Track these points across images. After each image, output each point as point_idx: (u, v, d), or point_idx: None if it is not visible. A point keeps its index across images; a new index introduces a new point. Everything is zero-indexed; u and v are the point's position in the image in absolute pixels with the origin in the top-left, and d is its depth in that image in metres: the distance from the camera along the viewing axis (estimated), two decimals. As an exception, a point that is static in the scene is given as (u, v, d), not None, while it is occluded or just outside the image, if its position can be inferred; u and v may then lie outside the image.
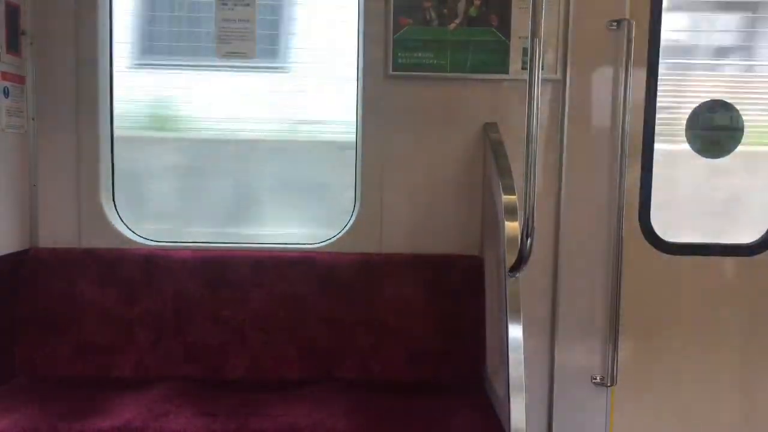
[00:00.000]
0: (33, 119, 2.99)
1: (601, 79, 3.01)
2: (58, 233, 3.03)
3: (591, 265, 3.05)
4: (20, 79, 2.92)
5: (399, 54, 2.98)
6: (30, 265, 2.93)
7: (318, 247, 3.09)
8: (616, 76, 2.99)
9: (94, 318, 2.88)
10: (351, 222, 3.10)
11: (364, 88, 3.03)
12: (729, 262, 3.14)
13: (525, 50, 2.94)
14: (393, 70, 2.99)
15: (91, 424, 2.37)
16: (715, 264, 3.13)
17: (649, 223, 3.07)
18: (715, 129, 3.14)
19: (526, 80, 2.20)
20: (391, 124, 3.03)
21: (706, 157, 3.15)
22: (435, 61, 2.99)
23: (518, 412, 2.32)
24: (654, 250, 3.07)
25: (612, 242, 3.00)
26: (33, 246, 3.02)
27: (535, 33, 2.17)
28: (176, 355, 2.88)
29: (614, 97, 3.00)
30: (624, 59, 2.93)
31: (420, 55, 2.99)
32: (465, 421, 2.49)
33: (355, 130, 3.10)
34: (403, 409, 2.60)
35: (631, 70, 2.94)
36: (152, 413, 2.46)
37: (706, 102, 3.14)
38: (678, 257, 3.09)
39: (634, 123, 2.99)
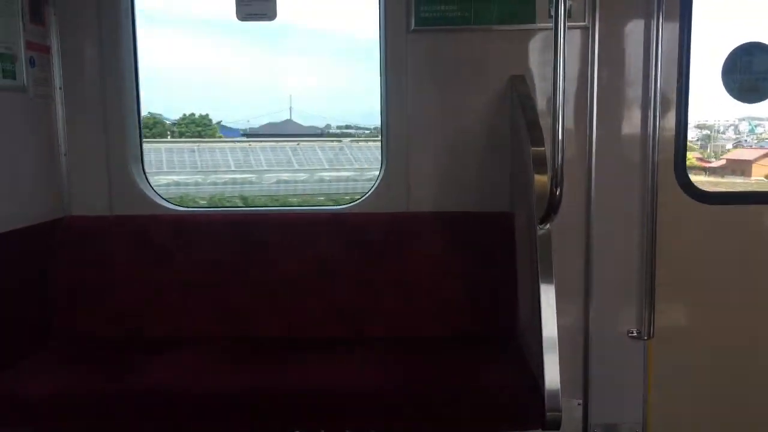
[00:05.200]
0: (60, 88, 3.02)
1: (632, 25, 2.91)
2: (90, 201, 3.07)
3: (625, 216, 2.98)
4: (45, 49, 2.94)
5: (421, 8, 2.92)
6: (65, 233, 2.98)
7: (345, 208, 3.08)
8: (647, 22, 2.89)
9: (127, 283, 2.93)
10: (378, 182, 3.08)
11: (386, 44, 2.98)
12: None
13: (552, -3, 2.86)
14: (415, 25, 2.93)
15: (127, 384, 2.42)
16: (755, 212, 3.03)
17: (685, 172, 2.98)
18: (754, 73, 3.02)
19: (552, 29, 2.14)
20: (415, 80, 2.98)
21: (744, 102, 3.04)
22: (458, 14, 2.92)
23: (552, 369, 2.29)
24: (690, 200, 2.99)
25: (647, 193, 2.93)
26: (67, 214, 3.07)
27: None
28: (209, 317, 2.91)
29: (646, 45, 2.90)
30: (655, 3, 2.83)
31: (443, 8, 2.92)
32: (499, 375, 2.48)
33: (379, 89, 3.06)
34: (435, 364, 2.60)
35: (663, 14, 2.83)
36: (186, 373, 2.50)
37: (743, 45, 3.02)
38: (715, 207, 3.01)
39: (667, 71, 2.89)
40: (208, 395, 2.37)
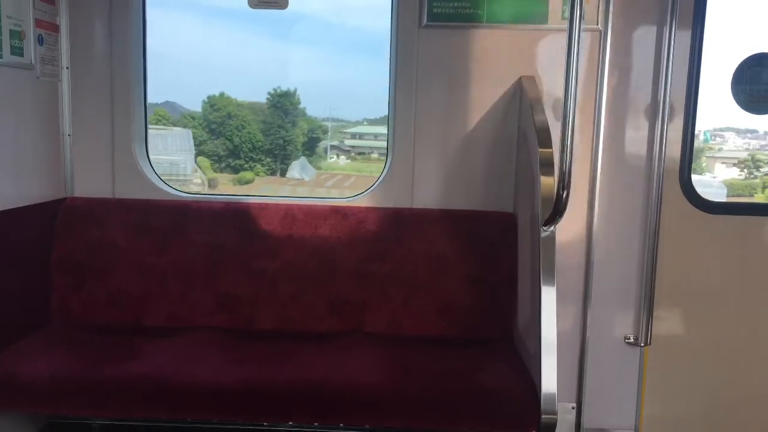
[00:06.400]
0: (67, 68, 2.99)
1: (644, 30, 2.90)
2: (92, 183, 3.06)
3: (627, 221, 2.98)
4: (54, 27, 2.92)
5: (434, 3, 2.90)
6: (66, 214, 2.96)
7: (349, 201, 3.07)
8: (660, 29, 2.88)
9: (127, 267, 2.91)
10: (382, 176, 3.07)
11: (397, 39, 2.96)
12: None
13: (565, -1, 2.85)
14: (427, 21, 2.92)
15: (123, 369, 2.41)
16: (759, 223, 3.03)
17: (690, 182, 2.98)
18: (763, 83, 3.01)
19: (565, 30, 2.13)
20: (425, 76, 2.96)
21: (751, 113, 3.04)
22: (471, 11, 2.90)
23: (549, 371, 2.29)
24: (693, 208, 2.98)
25: (651, 199, 2.93)
26: (68, 195, 3.05)
27: None
28: (207, 305, 2.90)
29: (657, 51, 2.89)
30: (669, 11, 2.82)
31: (455, 4, 2.90)
32: (495, 376, 2.47)
33: (388, 83, 3.05)
34: (432, 362, 2.60)
35: (675, 22, 2.83)
36: (183, 360, 2.49)
37: (754, 55, 3.01)
38: (718, 216, 3.00)
39: (676, 79, 2.89)
40: (203, 384, 2.36)
